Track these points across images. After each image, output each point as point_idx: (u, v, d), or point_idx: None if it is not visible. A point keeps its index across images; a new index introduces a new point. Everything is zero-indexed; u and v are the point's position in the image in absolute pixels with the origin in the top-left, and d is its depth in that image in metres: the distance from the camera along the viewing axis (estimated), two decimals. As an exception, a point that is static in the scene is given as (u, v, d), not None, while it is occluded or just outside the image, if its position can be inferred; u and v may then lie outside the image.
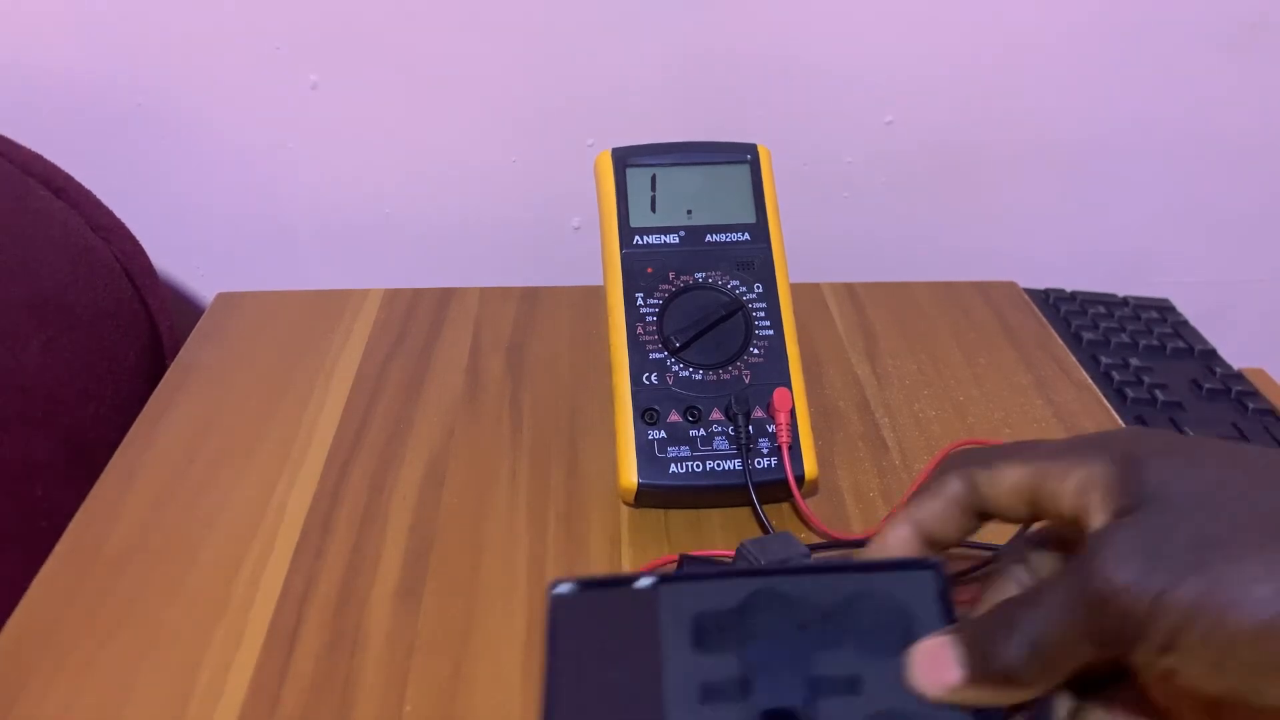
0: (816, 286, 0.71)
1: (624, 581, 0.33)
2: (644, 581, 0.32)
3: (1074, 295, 0.74)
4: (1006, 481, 0.33)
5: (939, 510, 0.34)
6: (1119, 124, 0.78)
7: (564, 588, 0.32)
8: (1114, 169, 0.80)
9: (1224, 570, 0.25)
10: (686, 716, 0.30)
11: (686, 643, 0.32)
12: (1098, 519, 0.29)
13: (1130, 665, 0.27)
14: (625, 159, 0.54)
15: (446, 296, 0.69)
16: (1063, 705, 0.32)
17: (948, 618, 0.33)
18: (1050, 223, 0.83)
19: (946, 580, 0.33)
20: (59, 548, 0.49)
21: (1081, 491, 0.30)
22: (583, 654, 0.31)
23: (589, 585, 0.32)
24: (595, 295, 0.69)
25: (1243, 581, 0.25)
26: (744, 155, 0.54)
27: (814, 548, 0.48)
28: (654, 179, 0.53)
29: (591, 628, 0.32)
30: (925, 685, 0.30)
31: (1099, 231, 0.84)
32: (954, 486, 0.34)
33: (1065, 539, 0.34)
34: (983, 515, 0.34)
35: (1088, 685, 0.32)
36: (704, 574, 0.35)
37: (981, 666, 0.29)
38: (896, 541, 0.35)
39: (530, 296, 0.70)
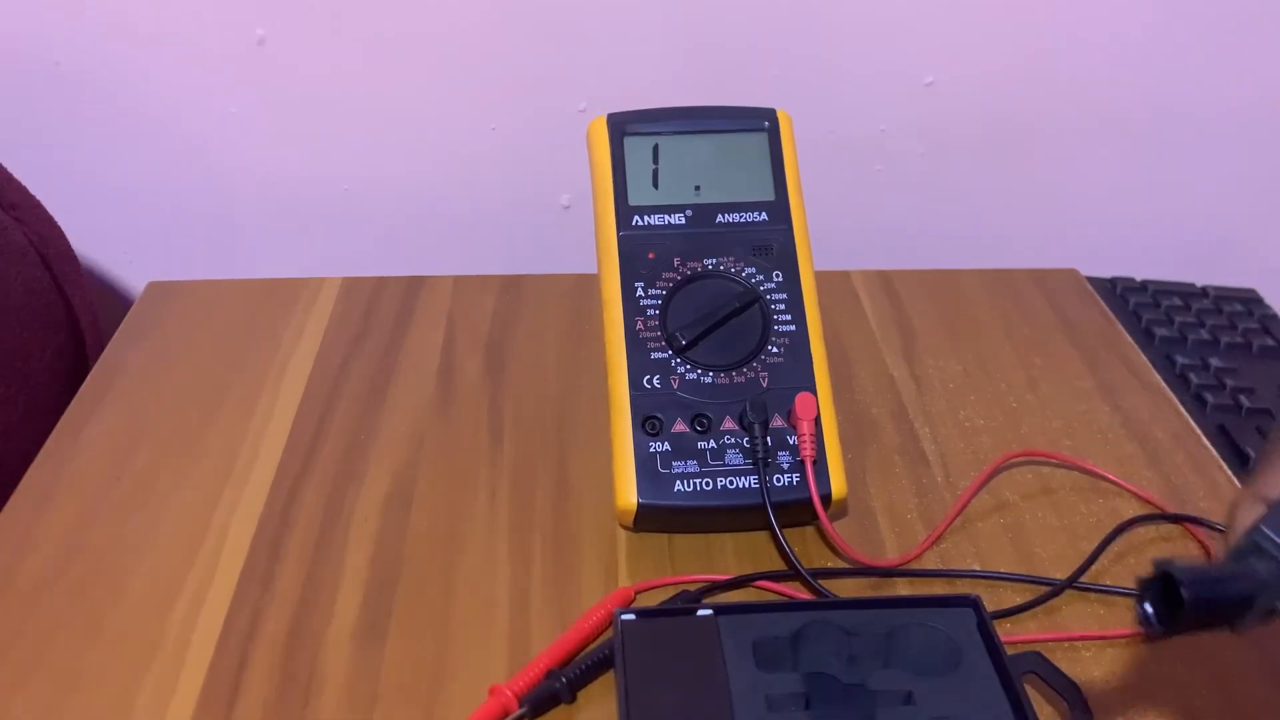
0: (845, 275, 0.72)
1: (684, 611, 0.44)
2: (703, 611, 0.44)
3: (1145, 285, 0.74)
4: None
5: None
6: (1196, 89, 0.78)
7: (629, 615, 0.43)
8: (1190, 140, 0.80)
9: None
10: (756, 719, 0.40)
11: (749, 663, 0.42)
12: None
13: None
14: (623, 126, 0.54)
15: (415, 286, 0.70)
16: None
17: (990, 646, 0.43)
18: (1117, 202, 0.83)
19: (985, 614, 0.44)
20: (-37, 579, 0.49)
21: None
22: (651, 671, 0.41)
23: (652, 613, 0.44)
24: (588, 285, 0.69)
25: None
26: (761, 122, 0.54)
27: (842, 573, 0.49)
28: (656, 149, 0.54)
29: (656, 649, 0.42)
30: None
31: (1173, 212, 0.84)
32: None
33: None
34: None
35: None
36: (758, 606, 0.45)
37: None
38: None
39: (512, 286, 0.70)
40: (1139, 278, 0.75)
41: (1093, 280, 0.73)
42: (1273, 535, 0.34)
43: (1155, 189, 0.83)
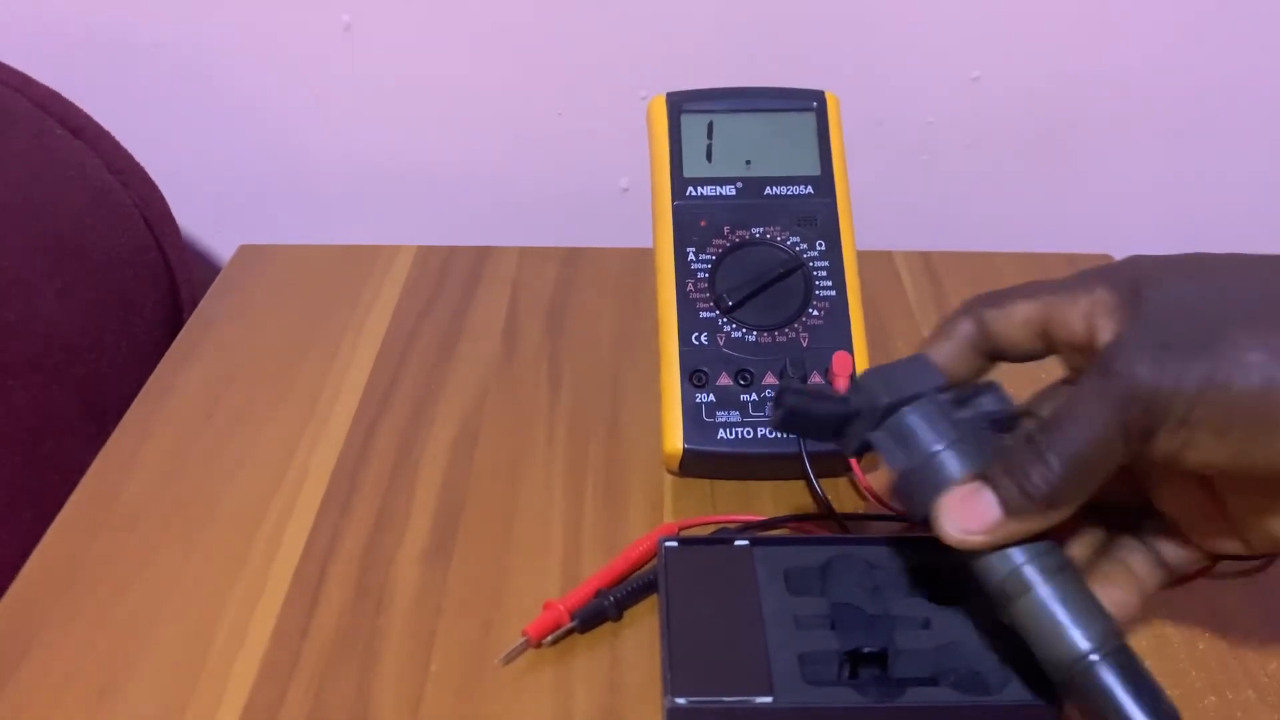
0: (888, 254, 0.74)
1: (723, 540, 0.47)
2: (740, 541, 0.46)
3: (1178, 274, 0.75)
4: (1018, 316, 0.39)
5: (951, 351, 0.40)
6: (1234, 83, 0.79)
7: (672, 542, 0.46)
8: (1227, 135, 0.81)
9: (1222, 348, 0.33)
10: (786, 636, 0.42)
11: (780, 588, 0.44)
12: (1106, 336, 0.36)
13: (1148, 459, 0.34)
14: (680, 104, 0.57)
15: (483, 255, 0.73)
16: (1088, 543, 0.41)
17: None
18: (1157, 197, 0.84)
19: None
20: (74, 498, 0.53)
21: (1090, 315, 0.37)
22: (691, 593, 0.44)
23: (693, 542, 0.47)
24: (643, 258, 0.72)
25: (1238, 354, 0.32)
26: (810, 102, 0.57)
27: (871, 517, 0.52)
28: (710, 126, 0.57)
29: (696, 574, 0.45)
30: (961, 531, 0.36)
31: (1209, 206, 0.85)
32: (965, 327, 0.40)
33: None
34: (993, 355, 0.40)
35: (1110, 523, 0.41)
36: (791, 539, 0.49)
37: (1019, 497, 0.35)
38: None
39: (574, 257, 0.73)
40: (1173, 267, 0.76)
41: (1127, 267, 0.74)
42: (872, 380, 0.38)
43: (1191, 185, 0.84)
